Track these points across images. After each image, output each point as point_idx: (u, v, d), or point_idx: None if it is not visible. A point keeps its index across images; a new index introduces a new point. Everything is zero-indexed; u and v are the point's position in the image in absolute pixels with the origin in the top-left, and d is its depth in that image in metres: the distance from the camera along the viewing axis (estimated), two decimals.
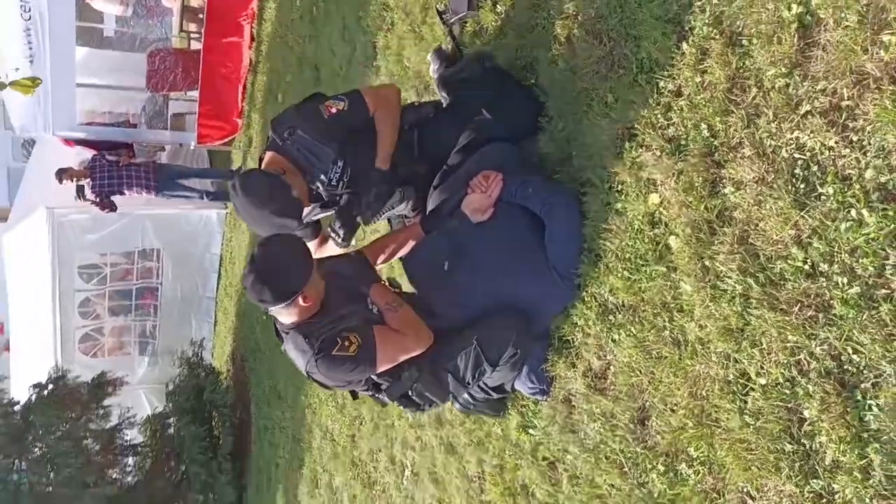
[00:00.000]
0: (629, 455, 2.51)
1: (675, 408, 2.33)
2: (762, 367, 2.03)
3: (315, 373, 2.70)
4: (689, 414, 2.27)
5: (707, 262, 2.21)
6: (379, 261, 3.05)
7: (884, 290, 1.74)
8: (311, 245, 3.26)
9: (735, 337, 2.11)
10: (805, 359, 1.92)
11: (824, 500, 1.87)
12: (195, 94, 9.27)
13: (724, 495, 2.16)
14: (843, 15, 1.82)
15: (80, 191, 8.41)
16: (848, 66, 1.82)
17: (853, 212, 1.80)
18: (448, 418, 3.72)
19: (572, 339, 2.79)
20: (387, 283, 2.96)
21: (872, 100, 1.77)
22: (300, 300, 2.62)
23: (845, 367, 1.82)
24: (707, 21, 2.23)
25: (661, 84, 2.39)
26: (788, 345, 1.95)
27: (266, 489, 7.33)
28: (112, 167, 8.46)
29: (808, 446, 1.91)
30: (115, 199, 8.53)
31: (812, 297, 1.90)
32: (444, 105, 3.33)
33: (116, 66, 10.49)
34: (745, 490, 2.09)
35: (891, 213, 1.71)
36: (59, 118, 8.59)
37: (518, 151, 3.07)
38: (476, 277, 2.84)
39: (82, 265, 9.99)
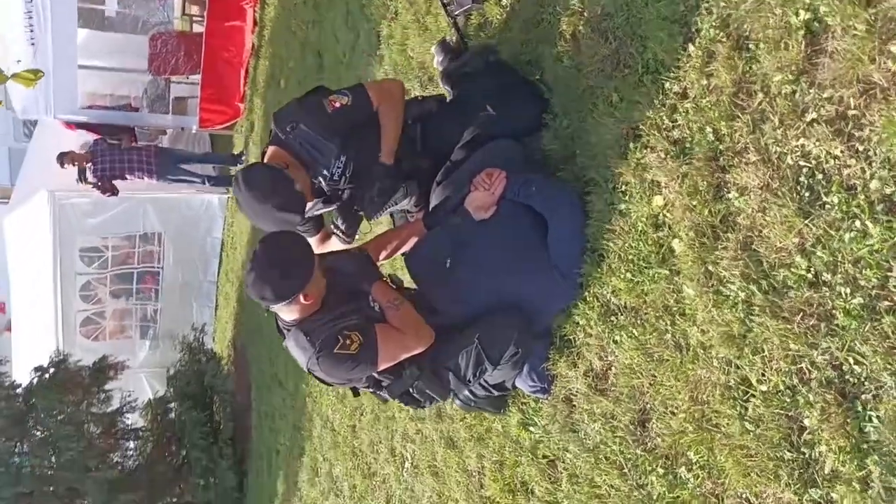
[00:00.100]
0: (629, 456, 2.52)
1: (675, 411, 2.34)
2: (763, 375, 2.03)
3: (316, 370, 2.71)
4: (690, 418, 2.27)
5: (710, 267, 2.20)
6: (381, 257, 3.05)
7: (886, 302, 1.73)
8: (314, 240, 3.25)
9: (737, 343, 2.11)
10: (806, 367, 1.92)
11: None
12: (197, 77, 9.26)
13: (723, 500, 2.17)
14: (851, 23, 1.80)
15: (81, 174, 8.42)
16: (855, 75, 1.80)
17: (857, 222, 1.79)
18: (448, 413, 3.73)
19: (574, 338, 2.79)
20: (388, 280, 2.96)
21: (879, 110, 1.76)
22: (301, 298, 2.62)
23: (846, 377, 1.82)
24: (714, 23, 2.21)
25: (667, 85, 2.38)
26: (790, 353, 1.95)
27: (267, 475, 7.37)
28: (114, 151, 8.46)
29: (807, 455, 1.91)
30: (117, 183, 8.53)
31: (815, 306, 1.90)
32: (448, 100, 3.32)
33: (118, 49, 10.46)
34: (743, 496, 2.10)
35: (895, 225, 1.71)
36: (61, 101, 8.59)
37: (522, 148, 3.06)
38: (478, 275, 2.83)
39: (83, 248, 10.01)
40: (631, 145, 2.52)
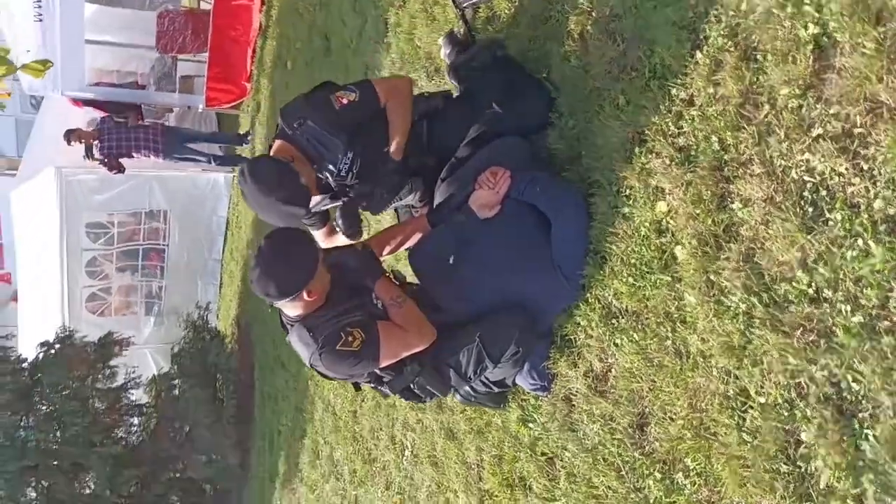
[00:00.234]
0: (627, 459, 2.54)
1: (674, 417, 2.35)
2: (762, 387, 2.05)
3: (318, 366, 2.74)
4: (688, 425, 2.29)
5: (712, 277, 2.21)
6: (384, 252, 3.06)
7: (886, 323, 1.74)
8: (320, 234, 3.27)
9: (736, 354, 2.12)
10: (805, 382, 1.93)
11: None
12: (204, 56, 9.22)
13: None
14: (859, 41, 1.80)
15: (88, 150, 8.43)
16: (862, 94, 1.80)
17: (860, 241, 1.79)
18: (449, 404, 3.76)
19: (574, 338, 2.81)
20: (391, 275, 2.97)
21: (885, 130, 1.75)
22: (305, 295, 2.64)
23: (844, 394, 1.83)
24: (722, 32, 2.20)
25: (674, 91, 2.37)
26: (789, 367, 1.96)
27: (269, 454, 7.44)
28: (120, 129, 8.46)
29: (803, 469, 1.93)
30: (123, 161, 8.54)
31: (815, 322, 1.91)
32: (455, 95, 3.31)
33: (126, 24, 10.43)
34: None
35: None
36: (69, 77, 8.57)
37: (527, 147, 3.05)
38: (482, 273, 2.84)
39: (89, 224, 10.04)
40: (636, 149, 2.52)
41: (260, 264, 2.63)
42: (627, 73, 2.61)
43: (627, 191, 2.56)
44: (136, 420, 8.65)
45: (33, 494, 7.83)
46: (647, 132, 2.47)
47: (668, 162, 2.38)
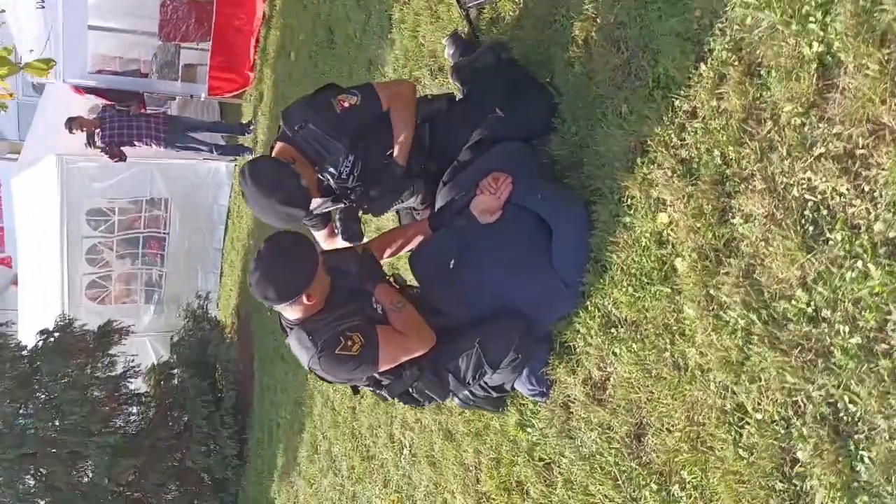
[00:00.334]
0: (623, 468, 2.55)
1: (671, 429, 2.36)
2: (759, 403, 2.05)
3: (317, 369, 2.75)
4: (685, 437, 2.30)
5: (712, 291, 2.21)
6: (385, 255, 3.06)
7: (884, 346, 1.74)
8: (321, 234, 3.28)
9: (734, 370, 2.12)
10: (802, 401, 1.94)
11: None
12: (207, 45, 9.19)
13: None
14: (864, 62, 1.79)
15: (90, 138, 8.42)
16: (865, 115, 1.79)
17: (859, 262, 1.79)
18: (447, 405, 3.77)
19: (574, 345, 2.81)
20: (391, 279, 2.97)
21: (887, 152, 1.75)
22: (304, 298, 2.65)
23: (841, 415, 1.84)
24: (727, 46, 2.19)
25: (677, 103, 2.36)
26: (786, 385, 1.96)
27: (267, 446, 7.46)
28: (122, 118, 8.44)
29: (798, 487, 1.94)
30: (125, 149, 8.53)
31: (813, 341, 1.91)
32: (458, 98, 3.31)
33: (129, 10, 10.36)
34: None
35: None
36: (71, 64, 8.53)
37: (529, 152, 3.05)
38: (482, 278, 2.84)
39: (90, 210, 10.03)
40: (638, 159, 2.51)
41: (259, 267, 2.63)
42: (631, 82, 2.61)
43: (629, 200, 2.56)
44: (134, 409, 8.67)
45: (32, 482, 7.87)
46: (649, 142, 2.47)
47: (669, 173, 2.38)
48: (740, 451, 2.09)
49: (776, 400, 2.00)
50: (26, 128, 14.25)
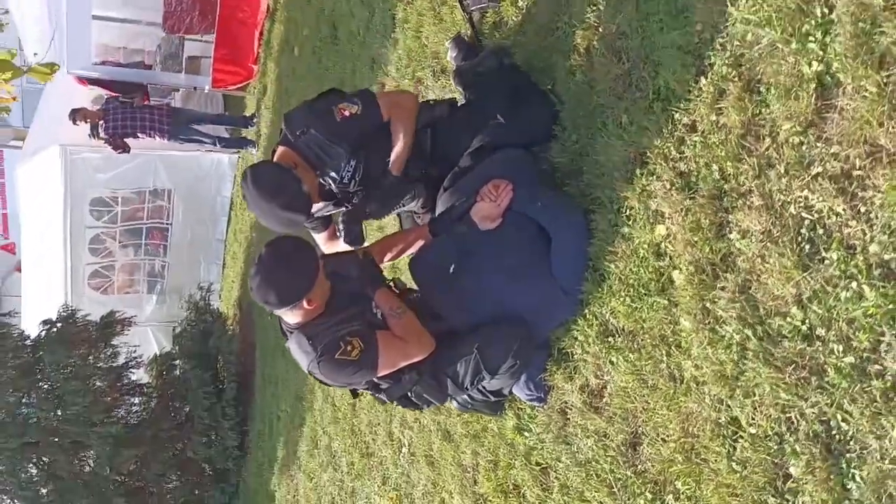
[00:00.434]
0: (619, 476, 2.58)
1: (666, 439, 2.39)
2: (753, 418, 2.07)
3: (317, 373, 2.77)
4: (680, 448, 2.32)
5: (708, 305, 2.23)
6: (385, 259, 3.08)
7: (877, 366, 1.76)
8: (322, 237, 3.30)
9: (729, 384, 2.14)
10: (795, 418, 1.96)
11: None
12: (211, 37, 9.19)
13: None
14: (862, 83, 1.80)
15: (94, 129, 8.44)
16: (862, 136, 1.81)
17: (854, 283, 1.81)
18: (446, 406, 3.79)
19: (571, 352, 2.84)
20: (391, 284, 2.99)
21: (883, 174, 1.76)
22: (305, 303, 2.67)
23: (833, 433, 1.86)
24: (727, 61, 2.20)
25: (677, 116, 2.37)
26: (780, 401, 1.99)
27: (268, 438, 7.51)
28: (126, 110, 8.46)
29: (790, 502, 1.96)
30: (129, 141, 8.55)
31: (807, 359, 1.93)
32: (459, 103, 3.31)
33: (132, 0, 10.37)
34: None
35: (891, 293, 1.73)
36: (74, 55, 8.54)
37: (530, 159, 3.06)
38: (482, 284, 2.86)
39: (94, 200, 10.06)
40: (637, 171, 2.53)
41: (260, 272, 2.65)
42: (632, 93, 2.62)
43: (628, 211, 2.58)
44: (136, 400, 8.72)
45: (34, 471, 7.92)
46: (648, 154, 2.48)
47: (668, 186, 2.39)
48: (734, 464, 2.12)
49: (770, 415, 2.02)
50: (31, 115, 14.29)
